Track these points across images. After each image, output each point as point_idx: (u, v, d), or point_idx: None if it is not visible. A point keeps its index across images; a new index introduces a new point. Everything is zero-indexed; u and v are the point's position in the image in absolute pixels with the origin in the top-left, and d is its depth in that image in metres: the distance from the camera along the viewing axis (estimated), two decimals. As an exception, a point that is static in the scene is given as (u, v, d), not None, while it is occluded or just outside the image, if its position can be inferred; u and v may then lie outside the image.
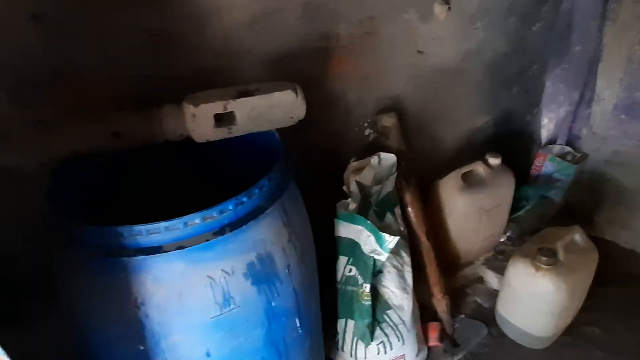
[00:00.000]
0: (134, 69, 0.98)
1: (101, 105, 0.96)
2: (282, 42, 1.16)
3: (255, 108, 0.88)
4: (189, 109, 0.85)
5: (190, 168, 1.02)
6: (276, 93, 0.89)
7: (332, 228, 1.25)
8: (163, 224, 0.67)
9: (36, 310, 0.98)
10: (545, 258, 1.27)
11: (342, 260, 1.25)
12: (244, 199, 0.73)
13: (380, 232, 1.13)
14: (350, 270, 1.24)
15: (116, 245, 0.68)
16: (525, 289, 1.32)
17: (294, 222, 0.83)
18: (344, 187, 1.29)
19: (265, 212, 0.76)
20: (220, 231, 0.71)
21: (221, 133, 0.89)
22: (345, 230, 1.22)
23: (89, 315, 0.76)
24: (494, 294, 1.53)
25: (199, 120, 0.86)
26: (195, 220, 0.69)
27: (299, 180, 0.96)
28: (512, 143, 1.81)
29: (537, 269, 1.28)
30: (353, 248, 1.22)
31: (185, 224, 0.68)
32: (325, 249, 1.10)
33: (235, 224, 0.72)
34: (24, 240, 0.95)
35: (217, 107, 0.86)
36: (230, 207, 0.71)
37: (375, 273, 1.22)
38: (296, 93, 0.91)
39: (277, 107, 0.90)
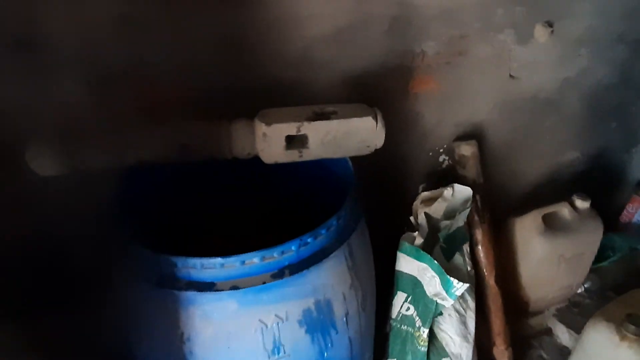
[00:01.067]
0: (206, 75, 0.93)
1: (170, 110, 0.92)
2: (363, 57, 1.07)
3: (331, 133, 0.81)
4: (260, 127, 0.79)
5: (252, 184, 0.96)
6: (355, 119, 0.81)
7: (392, 259, 1.16)
8: (219, 260, 0.61)
9: (91, 301, 0.98)
10: (634, 327, 1.11)
11: (400, 296, 1.15)
12: (309, 240, 0.66)
13: (448, 276, 1.02)
14: (408, 309, 1.14)
15: (168, 275, 0.63)
16: (604, 359, 1.16)
17: (359, 264, 0.75)
18: (411, 218, 1.19)
19: (330, 255, 0.68)
20: (279, 273, 0.64)
21: (291, 156, 0.82)
22: (408, 265, 1.12)
23: (134, 337, 0.72)
24: (562, 351, 1.37)
25: (270, 141, 0.80)
26: (253, 260, 0.62)
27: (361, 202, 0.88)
28: (602, 184, 1.63)
29: (623, 338, 1.12)
30: (414, 286, 1.12)
31: (243, 262, 0.62)
32: (381, 279, 1.01)
33: (296, 267, 0.65)
34: (86, 235, 0.94)
35: (290, 128, 0.80)
36: (293, 248, 0.64)
37: (435, 315, 1.11)
38: (376, 120, 0.82)
39: (354, 134, 0.82)
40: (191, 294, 0.62)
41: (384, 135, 0.84)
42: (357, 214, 0.78)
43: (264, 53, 0.95)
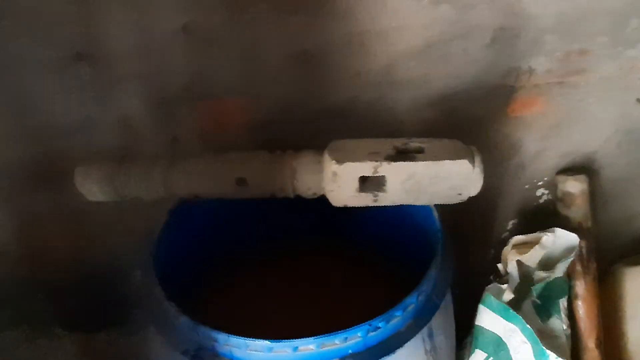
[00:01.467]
0: (274, 94, 0.82)
1: (230, 136, 0.83)
2: (456, 75, 0.91)
3: (414, 177, 0.66)
4: (330, 165, 0.66)
5: (313, 222, 0.84)
6: (446, 162, 0.65)
7: (470, 308, 0.99)
8: (267, 343, 0.50)
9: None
10: None
11: (478, 355, 0.99)
12: (380, 324, 0.52)
13: (544, 347, 0.85)
14: (488, 372, 0.97)
15: (207, 348, 0.53)
16: None
17: (439, 347, 0.61)
18: (499, 265, 1.01)
19: (405, 343, 0.54)
20: (340, 364, 0.52)
21: (364, 200, 0.69)
22: (492, 322, 0.95)
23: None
24: None
25: (340, 181, 0.67)
26: (309, 346, 0.50)
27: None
28: None
29: None
30: (497, 347, 0.95)
31: (296, 348, 0.50)
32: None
33: (361, 356, 0.52)
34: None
35: (366, 168, 0.66)
36: (360, 335, 0.51)
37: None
38: (473, 163, 0.66)
39: (444, 180, 0.66)
40: (232, 377, 0.52)
41: (482, 182, 0.68)
42: (442, 286, 0.63)
43: (341, 70, 0.82)
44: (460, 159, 0.66)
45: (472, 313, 0.98)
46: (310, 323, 0.57)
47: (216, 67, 0.78)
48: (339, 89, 0.84)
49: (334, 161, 0.66)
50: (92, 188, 0.72)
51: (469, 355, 1.00)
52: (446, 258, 0.66)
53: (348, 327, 0.50)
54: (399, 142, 0.69)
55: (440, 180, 0.67)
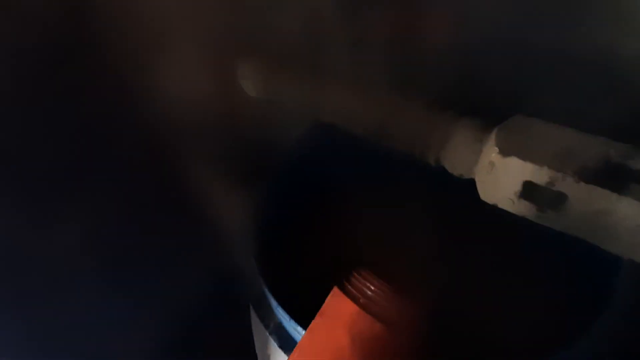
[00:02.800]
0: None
1: (421, 53, 0.67)
2: None
3: (614, 214, 0.42)
4: (490, 152, 0.47)
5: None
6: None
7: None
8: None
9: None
10: None
11: None
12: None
13: None
14: None
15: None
16: None
17: None
18: None
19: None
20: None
21: (523, 209, 0.48)
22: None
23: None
24: None
25: (498, 176, 0.48)
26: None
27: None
28: None
29: None
30: None
31: None
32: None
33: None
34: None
35: (538, 174, 0.45)
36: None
37: None
38: None
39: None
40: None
41: None
42: None
43: None
44: None
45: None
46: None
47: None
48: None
49: (496, 148, 0.47)
50: (250, 83, 0.69)
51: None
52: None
53: None
54: (615, 151, 0.44)
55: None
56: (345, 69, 0.61)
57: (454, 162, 0.52)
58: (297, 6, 0.65)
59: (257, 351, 0.70)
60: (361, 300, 0.49)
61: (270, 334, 0.59)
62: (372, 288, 0.49)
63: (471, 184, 0.53)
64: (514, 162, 0.46)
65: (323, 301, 0.49)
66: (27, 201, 0.59)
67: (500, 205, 0.51)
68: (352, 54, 0.64)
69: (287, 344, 0.58)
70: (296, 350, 0.49)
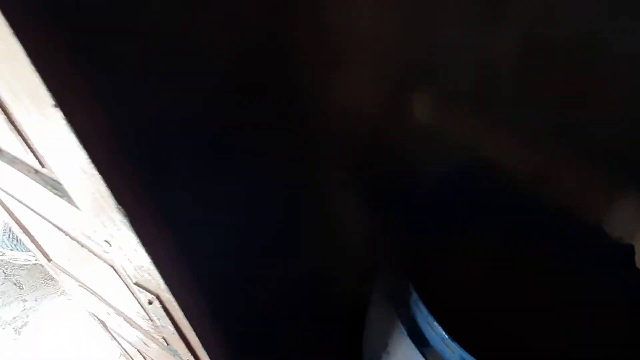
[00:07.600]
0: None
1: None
2: None
3: None
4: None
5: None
6: None
7: None
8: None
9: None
10: None
11: None
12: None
13: None
14: None
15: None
16: None
17: None
18: None
19: None
20: None
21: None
22: None
23: None
24: None
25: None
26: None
27: None
28: None
29: None
30: None
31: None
32: None
33: None
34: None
35: None
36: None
37: None
38: None
39: None
40: None
41: None
42: None
43: None
44: None
45: None
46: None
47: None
48: None
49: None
50: (420, 107, 0.74)
51: None
52: None
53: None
54: None
55: None
56: (515, 116, 0.64)
57: (616, 225, 0.55)
58: (482, 51, 0.69)
59: (371, 341, 0.76)
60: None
61: (402, 323, 0.64)
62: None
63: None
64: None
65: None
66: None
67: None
68: (524, 103, 0.67)
69: (415, 334, 0.63)
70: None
